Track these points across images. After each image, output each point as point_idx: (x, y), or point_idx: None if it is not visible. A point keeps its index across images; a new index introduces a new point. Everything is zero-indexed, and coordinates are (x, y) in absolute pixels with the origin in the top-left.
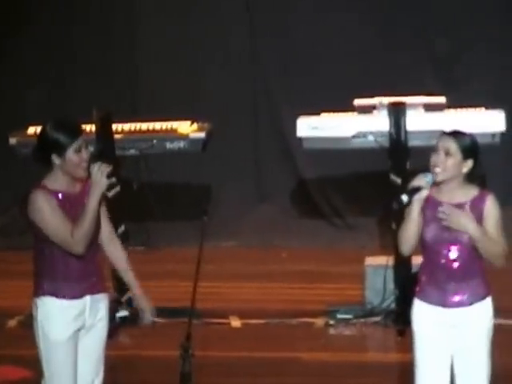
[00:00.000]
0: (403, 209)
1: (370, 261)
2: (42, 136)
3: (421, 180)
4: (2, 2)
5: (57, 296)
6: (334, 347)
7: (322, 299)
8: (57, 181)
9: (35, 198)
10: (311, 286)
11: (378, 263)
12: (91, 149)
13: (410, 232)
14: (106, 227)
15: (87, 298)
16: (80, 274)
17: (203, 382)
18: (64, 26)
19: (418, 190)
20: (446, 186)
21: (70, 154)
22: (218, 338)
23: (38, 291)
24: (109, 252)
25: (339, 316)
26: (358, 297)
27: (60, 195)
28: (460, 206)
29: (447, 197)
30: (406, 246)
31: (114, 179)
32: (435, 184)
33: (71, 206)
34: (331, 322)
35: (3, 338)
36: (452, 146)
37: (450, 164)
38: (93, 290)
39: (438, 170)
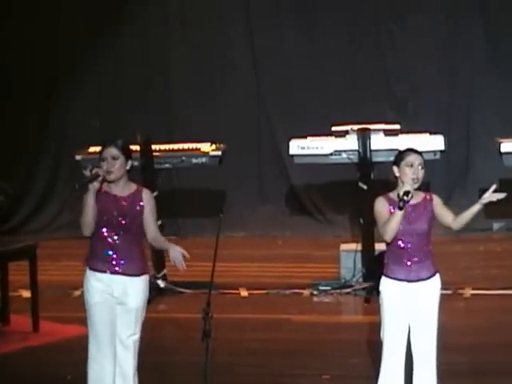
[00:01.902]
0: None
1: (344, 247)
2: None
3: (410, 186)
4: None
5: (90, 268)
6: (317, 311)
7: (308, 275)
8: (108, 184)
9: None
10: (300, 266)
11: (350, 248)
12: (135, 163)
13: (397, 224)
14: (151, 228)
15: (113, 275)
16: (106, 255)
17: (219, 336)
18: (112, 68)
19: (408, 193)
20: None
21: (101, 162)
22: (230, 304)
23: (84, 263)
24: (155, 246)
25: (321, 288)
26: (334, 273)
27: (105, 194)
28: (417, 205)
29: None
30: (391, 234)
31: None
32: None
33: (110, 203)
34: (315, 292)
35: (70, 304)
36: (422, 161)
37: (422, 175)
38: (118, 271)
39: (416, 180)
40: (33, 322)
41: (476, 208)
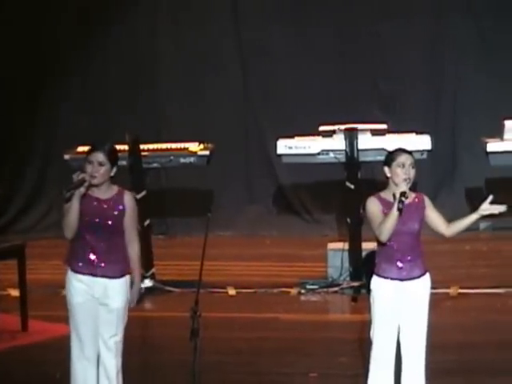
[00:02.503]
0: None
1: (331, 246)
2: None
3: (405, 187)
4: (54, 51)
5: (71, 269)
6: (305, 310)
7: (295, 274)
8: (91, 188)
9: None
10: (288, 265)
11: (337, 247)
12: (124, 163)
13: (393, 225)
14: (128, 232)
15: (94, 277)
16: (87, 257)
17: (207, 335)
18: (101, 68)
19: (405, 193)
20: None
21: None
22: (218, 302)
23: (65, 263)
24: (129, 251)
25: (308, 287)
26: (322, 272)
27: (89, 197)
28: (409, 205)
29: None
30: (387, 235)
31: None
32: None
33: (91, 206)
34: (302, 291)
35: (59, 303)
36: (413, 160)
37: (414, 174)
38: (99, 273)
39: (408, 180)
40: (21, 320)
41: (473, 218)
